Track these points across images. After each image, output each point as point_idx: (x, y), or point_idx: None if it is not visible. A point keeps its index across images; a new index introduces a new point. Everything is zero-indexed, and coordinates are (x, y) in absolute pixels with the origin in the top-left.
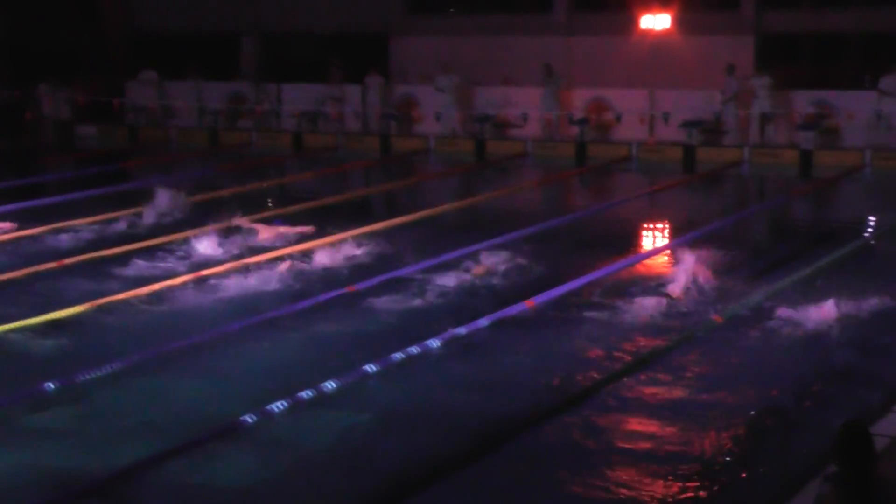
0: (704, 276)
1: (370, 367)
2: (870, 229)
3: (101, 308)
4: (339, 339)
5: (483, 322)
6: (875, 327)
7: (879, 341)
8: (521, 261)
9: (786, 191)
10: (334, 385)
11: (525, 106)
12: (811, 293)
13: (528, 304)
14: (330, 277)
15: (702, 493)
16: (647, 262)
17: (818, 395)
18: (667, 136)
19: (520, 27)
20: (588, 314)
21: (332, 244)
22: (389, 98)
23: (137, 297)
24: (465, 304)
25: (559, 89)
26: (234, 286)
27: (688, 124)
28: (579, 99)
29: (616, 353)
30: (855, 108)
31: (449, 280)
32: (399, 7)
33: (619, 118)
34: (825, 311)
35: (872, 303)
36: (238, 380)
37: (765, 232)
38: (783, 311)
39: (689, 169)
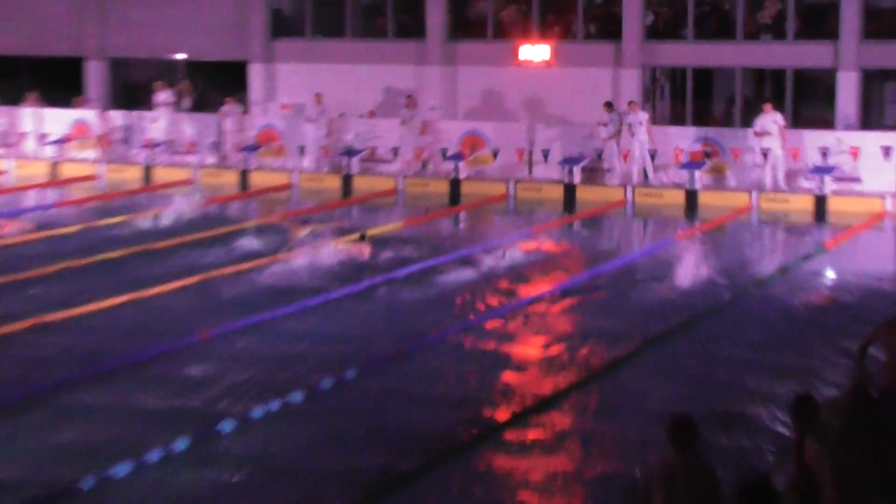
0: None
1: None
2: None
3: None
4: None
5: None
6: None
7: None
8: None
9: (664, 236)
10: None
11: (396, 139)
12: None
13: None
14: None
15: None
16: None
17: None
18: (546, 175)
19: (391, 55)
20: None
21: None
22: (248, 129)
23: None
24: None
25: (421, 121)
26: None
27: (568, 161)
28: (453, 133)
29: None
30: (742, 145)
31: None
32: (259, 31)
33: (495, 154)
34: None
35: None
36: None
37: (623, 290)
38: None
39: (568, 209)
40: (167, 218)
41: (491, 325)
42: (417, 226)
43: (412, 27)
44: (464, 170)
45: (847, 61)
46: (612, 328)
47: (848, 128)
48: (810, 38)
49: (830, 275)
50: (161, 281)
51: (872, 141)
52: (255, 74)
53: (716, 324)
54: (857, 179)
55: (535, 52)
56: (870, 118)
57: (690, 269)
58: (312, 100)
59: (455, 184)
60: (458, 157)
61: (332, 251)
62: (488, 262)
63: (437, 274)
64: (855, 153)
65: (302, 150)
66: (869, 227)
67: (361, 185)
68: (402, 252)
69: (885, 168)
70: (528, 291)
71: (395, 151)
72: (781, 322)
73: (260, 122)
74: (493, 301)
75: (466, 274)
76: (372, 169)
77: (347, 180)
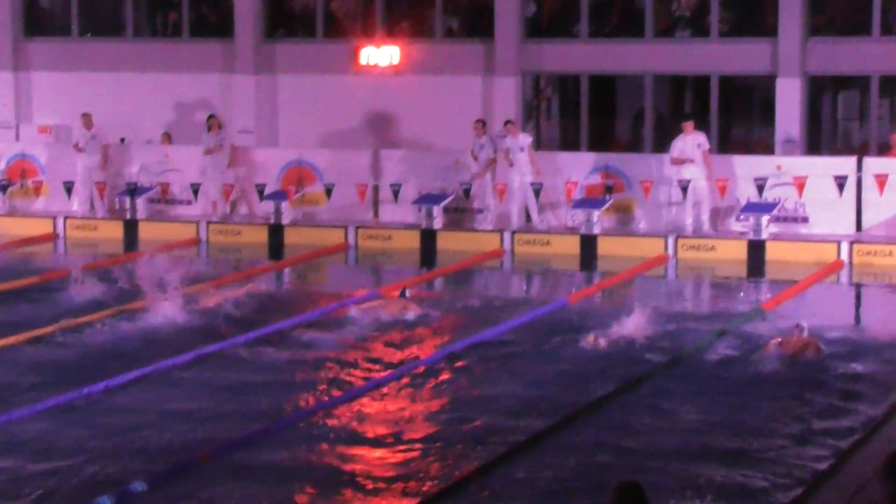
0: None
1: None
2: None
3: None
4: None
5: None
6: None
7: None
8: None
9: (553, 297)
10: None
11: (196, 173)
12: None
13: None
14: None
15: None
16: None
17: None
18: (397, 218)
19: (187, 61)
20: None
21: None
22: None
23: None
24: None
25: (230, 148)
26: None
27: (425, 200)
28: (273, 164)
29: None
30: (654, 176)
31: None
32: (6, 28)
33: (329, 191)
34: None
35: None
36: None
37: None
38: None
39: (427, 262)
40: None
41: (338, 411)
42: (226, 288)
43: (216, 24)
44: (288, 212)
45: (789, 65)
46: (486, 419)
47: (791, 151)
48: (741, 35)
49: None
50: None
51: (822, 168)
52: (1, 86)
53: (630, 402)
54: (803, 219)
55: (379, 54)
56: (818, 139)
57: (587, 341)
58: (80, 121)
59: (276, 231)
60: (279, 195)
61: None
62: (321, 333)
63: (264, 347)
64: (800, 185)
65: (69, 188)
66: (818, 282)
67: (150, 233)
68: (212, 322)
69: (839, 204)
70: (375, 370)
71: (196, 189)
72: (713, 402)
73: (10, 152)
74: (322, 386)
75: (295, 347)
76: (165, 212)
77: (131, 227)
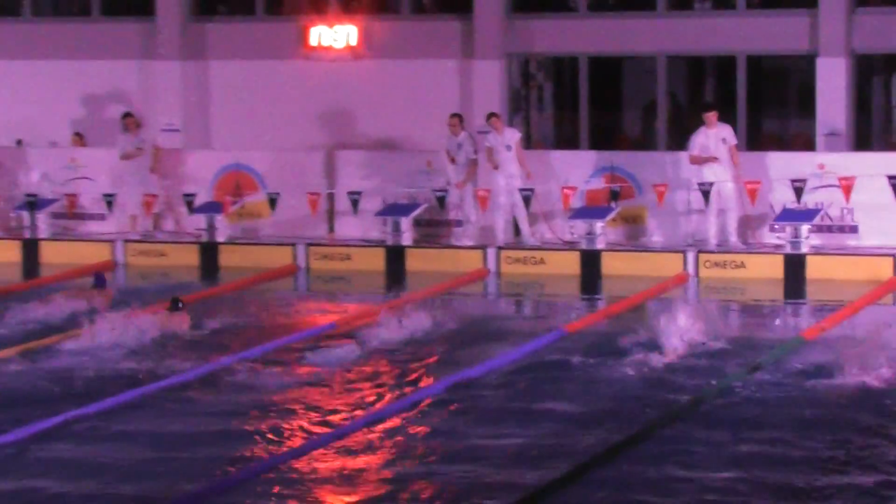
0: None
1: None
2: None
3: None
4: None
5: None
6: None
7: None
8: None
9: (549, 326)
10: None
11: (110, 181)
12: None
13: None
14: None
15: None
16: None
17: None
18: (356, 232)
19: (100, 46)
20: None
21: None
22: None
23: None
24: None
25: (152, 150)
26: None
27: (391, 211)
28: (205, 168)
29: None
30: (669, 179)
31: None
32: None
33: (273, 201)
34: None
35: None
36: None
37: None
38: None
39: (395, 285)
40: None
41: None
42: (152, 319)
43: (133, 1)
44: (223, 228)
45: (832, 42)
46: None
47: (835, 147)
48: (774, 6)
49: (813, 380)
50: None
51: (874, 166)
52: None
53: (657, 449)
54: (851, 229)
55: (333, 35)
56: (868, 131)
57: (597, 376)
58: None
59: (209, 251)
60: (213, 207)
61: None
62: (265, 372)
63: (196, 388)
64: (847, 187)
65: None
66: (871, 305)
67: (55, 255)
68: (143, 361)
69: (894, 210)
70: (332, 419)
71: (110, 201)
72: (747, 445)
73: None
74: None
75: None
76: (72, 229)
77: (31, 248)
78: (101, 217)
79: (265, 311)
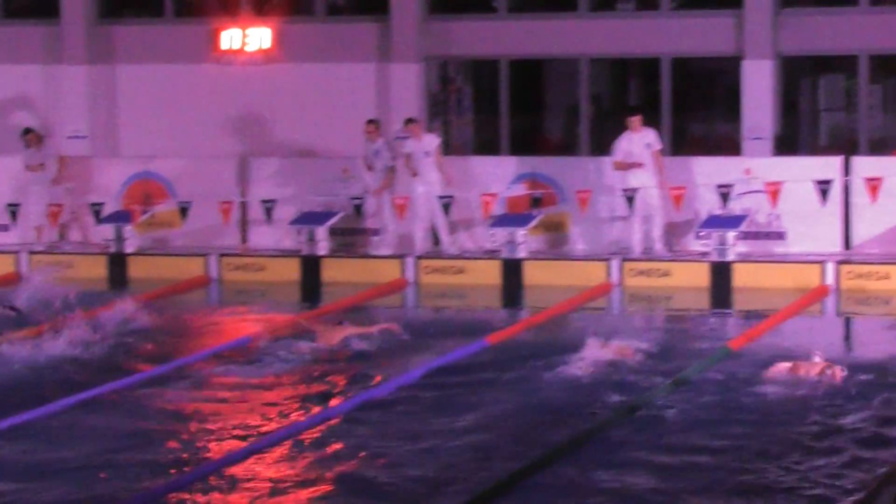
0: None
1: None
2: None
3: None
4: None
5: None
6: None
7: None
8: None
9: (472, 336)
10: None
11: (12, 191)
12: None
13: None
14: None
15: None
16: None
17: None
18: (271, 242)
19: (1, 48)
20: None
21: None
22: None
23: None
24: None
25: (57, 159)
26: None
27: (306, 220)
28: (113, 176)
29: None
30: (593, 184)
31: None
32: None
33: (184, 210)
34: None
35: None
36: None
37: None
38: None
39: (310, 297)
40: None
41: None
42: (59, 333)
43: (37, 3)
44: (132, 238)
45: (758, 43)
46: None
47: (762, 151)
48: (699, 6)
49: (738, 392)
50: None
51: (801, 171)
52: None
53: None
54: (778, 235)
55: (246, 38)
56: (796, 135)
57: (519, 388)
58: None
59: (118, 262)
60: (121, 217)
61: None
62: (181, 384)
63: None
64: (774, 193)
65: None
66: (798, 314)
67: None
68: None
69: (823, 216)
70: (250, 433)
71: (14, 211)
72: (668, 456)
73: None
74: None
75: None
76: None
77: None
78: (5, 228)
79: (177, 324)
